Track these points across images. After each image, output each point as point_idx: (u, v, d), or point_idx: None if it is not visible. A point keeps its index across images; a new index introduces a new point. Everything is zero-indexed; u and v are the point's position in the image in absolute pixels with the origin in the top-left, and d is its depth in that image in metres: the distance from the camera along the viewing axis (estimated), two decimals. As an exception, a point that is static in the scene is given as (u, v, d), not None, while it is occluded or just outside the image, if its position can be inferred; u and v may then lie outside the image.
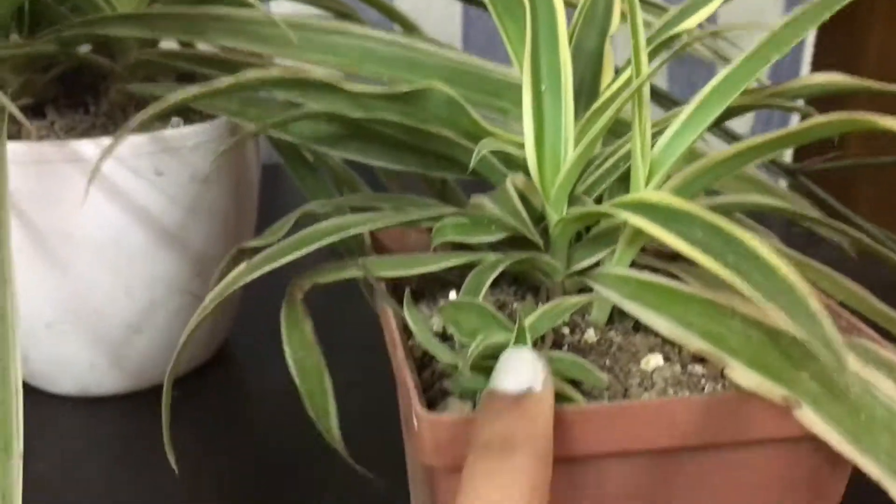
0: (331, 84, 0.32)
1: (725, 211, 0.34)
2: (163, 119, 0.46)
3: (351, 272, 0.35)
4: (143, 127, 0.41)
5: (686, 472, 0.29)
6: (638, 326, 0.33)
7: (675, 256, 0.39)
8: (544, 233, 0.33)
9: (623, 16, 0.40)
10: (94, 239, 0.46)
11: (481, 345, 0.27)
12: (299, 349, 0.35)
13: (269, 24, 0.41)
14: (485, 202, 0.32)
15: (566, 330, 0.32)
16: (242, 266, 0.35)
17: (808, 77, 0.34)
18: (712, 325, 0.29)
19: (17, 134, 0.45)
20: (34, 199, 0.44)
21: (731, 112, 0.32)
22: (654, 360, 0.30)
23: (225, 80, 0.33)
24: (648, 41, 0.34)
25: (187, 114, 0.47)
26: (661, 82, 0.92)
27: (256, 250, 0.37)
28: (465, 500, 0.21)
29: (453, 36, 0.90)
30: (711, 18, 0.41)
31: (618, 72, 0.34)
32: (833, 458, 0.29)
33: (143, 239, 0.47)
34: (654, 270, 0.33)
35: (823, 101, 0.36)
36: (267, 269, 0.33)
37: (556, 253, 0.33)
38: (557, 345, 0.32)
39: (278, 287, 0.36)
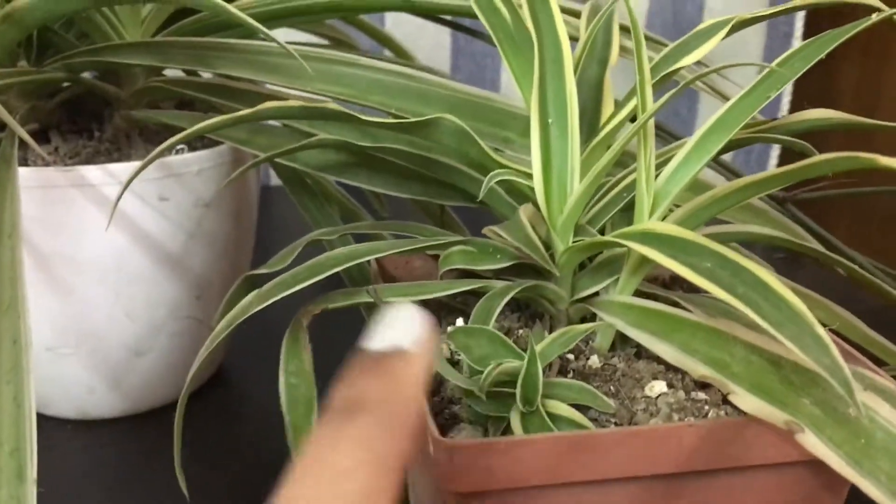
0: (347, 115, 0.33)
1: (723, 240, 0.35)
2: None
3: (360, 298, 0.35)
4: (147, 153, 0.42)
5: (689, 495, 0.29)
6: (640, 353, 0.33)
7: (671, 283, 0.40)
8: (550, 261, 0.34)
9: (622, 49, 0.41)
10: (97, 263, 0.46)
11: (495, 370, 0.28)
12: (294, 377, 0.34)
13: (279, 54, 0.42)
14: (500, 231, 0.33)
15: (570, 356, 0.33)
16: (252, 295, 0.35)
17: (806, 112, 0.35)
18: (716, 351, 0.30)
19: (21, 159, 0.46)
20: (38, 223, 0.45)
21: (731, 145, 0.33)
22: (658, 387, 0.31)
23: (247, 111, 0.34)
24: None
25: (190, 140, 0.48)
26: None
27: (262, 276, 0.37)
28: (306, 465, 0.19)
29: (443, 63, 0.91)
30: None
31: (618, 104, 0.35)
32: (831, 481, 0.30)
33: (145, 263, 0.47)
34: (655, 298, 0.34)
35: (798, 134, 0.37)
36: (279, 296, 0.34)
37: (562, 281, 0.34)
38: (562, 370, 0.32)
39: (272, 309, 0.36)
